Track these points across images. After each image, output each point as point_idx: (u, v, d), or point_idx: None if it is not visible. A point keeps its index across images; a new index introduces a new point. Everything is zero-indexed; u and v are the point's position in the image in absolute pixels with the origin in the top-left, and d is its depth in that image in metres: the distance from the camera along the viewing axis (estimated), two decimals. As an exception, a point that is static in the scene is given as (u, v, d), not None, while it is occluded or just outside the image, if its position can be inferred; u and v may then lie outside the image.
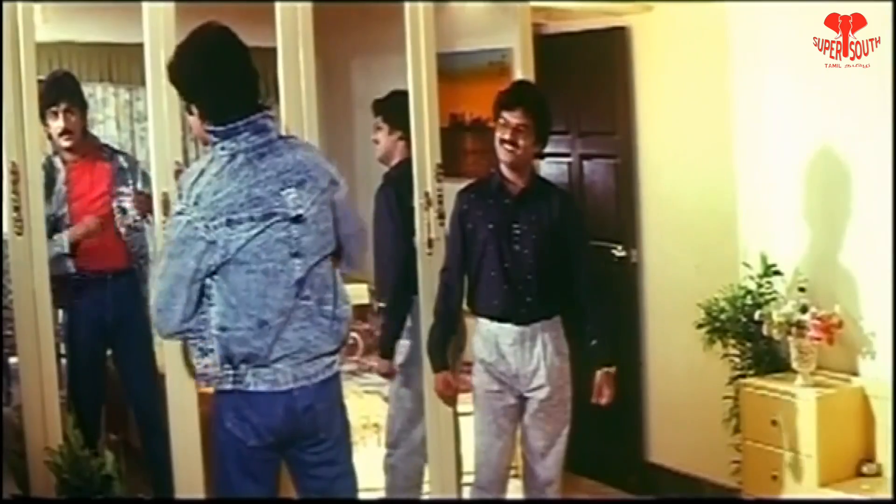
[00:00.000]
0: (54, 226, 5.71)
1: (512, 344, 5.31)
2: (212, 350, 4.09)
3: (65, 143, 5.82)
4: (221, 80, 4.06)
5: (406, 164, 5.99)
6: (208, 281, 4.03)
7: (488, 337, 5.37)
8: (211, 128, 4.07)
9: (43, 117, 5.67)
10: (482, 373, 5.41)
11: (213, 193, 3.96)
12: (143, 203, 5.73)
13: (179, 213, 3.99)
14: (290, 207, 4.03)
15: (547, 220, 5.32)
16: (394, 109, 6.01)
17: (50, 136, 5.84)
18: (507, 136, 5.26)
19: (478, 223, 5.35)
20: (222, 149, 4.04)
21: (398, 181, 5.97)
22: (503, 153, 5.29)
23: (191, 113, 4.18)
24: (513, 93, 5.41)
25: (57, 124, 5.78)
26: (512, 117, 5.26)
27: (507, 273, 5.29)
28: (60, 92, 5.84)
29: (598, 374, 5.42)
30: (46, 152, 5.76)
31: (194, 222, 3.95)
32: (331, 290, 4.21)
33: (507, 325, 5.31)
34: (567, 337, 5.44)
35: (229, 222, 3.94)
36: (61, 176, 5.84)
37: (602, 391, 5.42)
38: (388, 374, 6.15)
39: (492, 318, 5.35)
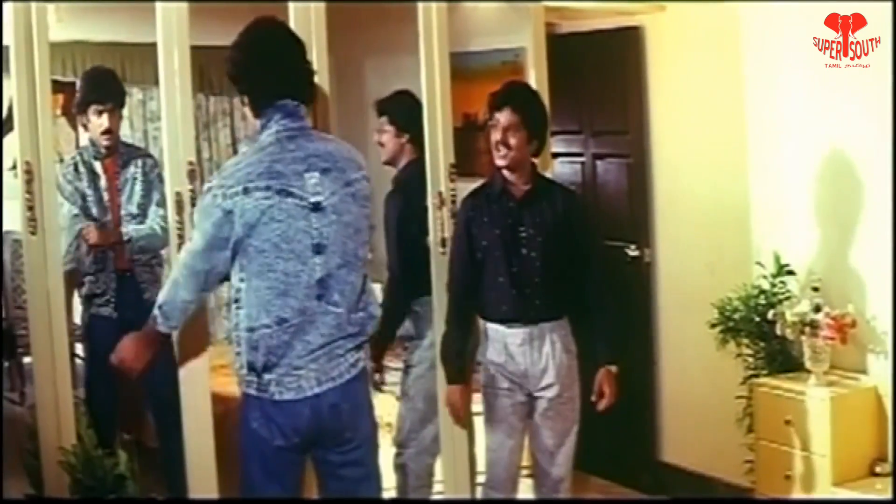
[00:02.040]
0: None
1: (520, 344, 5.30)
2: (239, 353, 4.17)
3: (105, 143, 5.90)
4: (261, 73, 4.21)
5: (414, 165, 5.98)
6: (237, 283, 4.13)
7: (496, 338, 5.36)
8: (256, 119, 4.26)
9: (80, 111, 5.81)
10: (492, 371, 5.41)
11: (235, 165, 4.12)
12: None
13: (206, 191, 4.13)
14: (310, 192, 4.09)
15: (552, 220, 5.30)
16: (400, 110, 6.01)
17: (85, 128, 5.90)
18: (498, 137, 5.27)
19: (483, 229, 5.34)
20: (256, 141, 4.21)
21: (406, 185, 5.97)
22: (497, 156, 5.30)
23: (244, 104, 4.34)
24: (501, 93, 5.39)
25: (100, 122, 5.86)
26: (501, 117, 5.27)
27: (514, 277, 5.27)
28: (108, 91, 5.94)
29: (600, 371, 5.40)
30: (60, 152, 5.79)
31: (214, 190, 4.07)
32: (362, 298, 4.26)
33: (516, 327, 5.31)
34: (574, 335, 5.44)
35: (245, 190, 4.02)
36: (102, 182, 5.91)
37: (602, 390, 5.37)
38: (378, 379, 6.17)
39: (501, 321, 5.35)
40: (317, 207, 4.10)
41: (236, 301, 4.14)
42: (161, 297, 4.30)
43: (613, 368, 5.40)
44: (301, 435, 4.18)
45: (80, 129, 6.01)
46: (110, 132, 5.89)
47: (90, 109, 5.83)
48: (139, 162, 6.05)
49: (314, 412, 4.16)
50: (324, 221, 4.11)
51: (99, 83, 5.96)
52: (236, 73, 4.26)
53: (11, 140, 4.87)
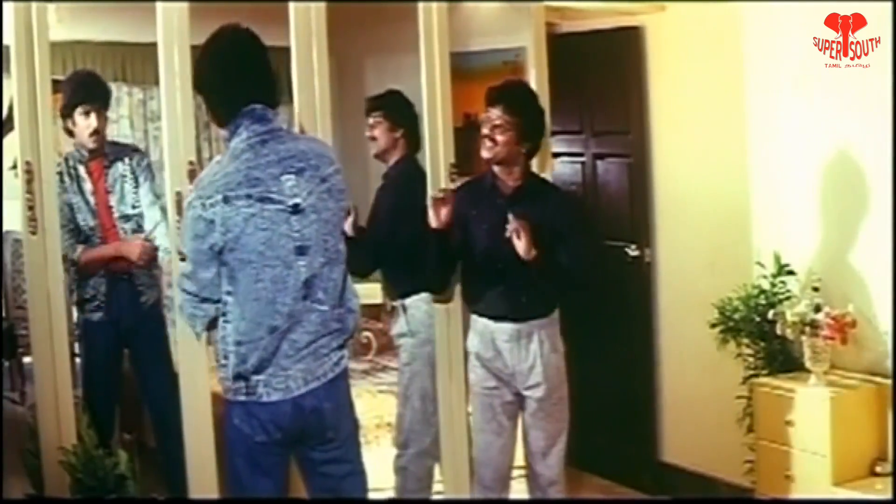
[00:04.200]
0: (86, 235, 5.84)
1: (508, 340, 5.30)
2: (225, 365, 4.20)
3: (92, 144, 5.88)
4: (226, 80, 4.22)
5: (405, 161, 5.99)
6: (224, 296, 4.16)
7: (485, 332, 5.36)
8: (223, 130, 4.27)
9: (66, 114, 5.82)
10: (479, 368, 5.40)
11: (213, 175, 4.13)
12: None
13: (188, 206, 4.15)
14: (287, 195, 4.11)
15: (540, 218, 5.27)
16: (394, 106, 6.02)
17: (71, 133, 5.89)
18: (485, 132, 5.27)
19: (472, 223, 5.33)
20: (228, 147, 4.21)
21: (398, 180, 5.96)
22: (483, 149, 5.30)
23: (207, 115, 4.39)
24: (497, 89, 5.38)
25: (88, 123, 5.84)
26: (492, 113, 5.27)
27: (502, 273, 5.27)
28: (93, 92, 5.93)
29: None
30: (60, 152, 5.78)
31: (194, 202, 4.09)
32: (343, 294, 4.28)
33: (504, 322, 5.31)
34: (563, 334, 5.44)
35: (226, 199, 4.04)
36: (87, 186, 5.90)
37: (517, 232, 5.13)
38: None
39: (489, 316, 5.34)
40: (296, 209, 4.12)
41: (223, 315, 4.18)
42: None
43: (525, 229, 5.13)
44: (283, 431, 4.21)
45: (66, 135, 5.97)
46: (98, 132, 5.87)
47: (76, 111, 5.81)
48: (126, 159, 6.03)
49: (296, 409, 4.19)
50: (304, 223, 4.13)
51: (83, 84, 5.95)
52: (201, 83, 4.32)
53: (12, 140, 4.87)
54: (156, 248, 5.80)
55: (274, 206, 4.07)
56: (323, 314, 4.19)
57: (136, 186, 5.97)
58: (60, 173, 5.81)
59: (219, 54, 4.23)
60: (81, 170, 5.90)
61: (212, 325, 4.28)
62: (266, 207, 4.06)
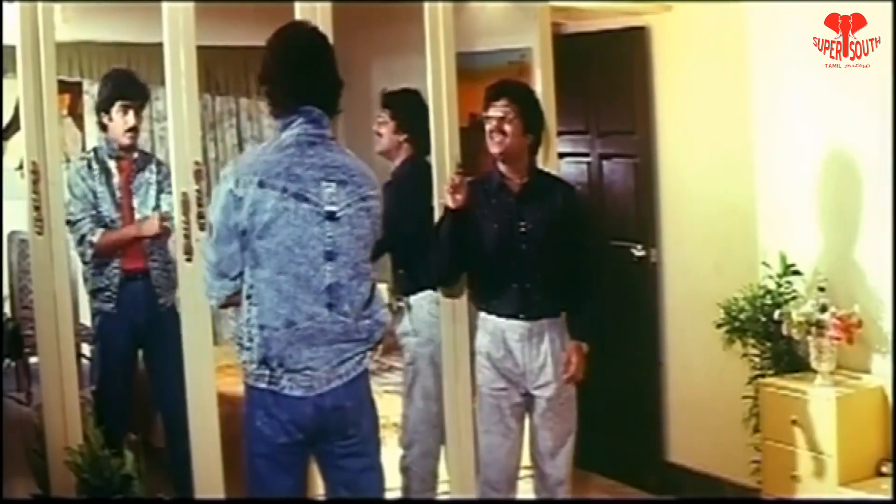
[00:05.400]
0: (106, 225, 5.88)
1: (519, 340, 5.30)
2: (250, 348, 4.18)
3: (127, 141, 5.94)
4: (292, 75, 4.25)
5: (409, 163, 6.01)
6: (250, 280, 4.16)
7: (495, 332, 5.35)
8: (274, 118, 4.32)
9: (102, 109, 5.90)
10: (488, 370, 5.39)
11: (253, 157, 4.21)
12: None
13: (221, 178, 4.18)
14: (325, 201, 4.13)
15: (551, 215, 5.30)
16: (404, 108, 6.01)
17: (104, 128, 5.94)
18: (493, 125, 5.28)
19: (482, 223, 5.33)
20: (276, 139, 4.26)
21: (401, 182, 5.97)
22: (492, 144, 5.31)
23: (269, 104, 4.40)
24: (497, 86, 5.41)
25: (126, 119, 5.89)
26: (496, 108, 5.29)
27: (515, 273, 5.27)
28: (133, 89, 6.00)
29: (570, 344, 5.37)
30: (66, 153, 5.79)
31: (227, 179, 4.12)
32: (369, 306, 4.30)
33: (515, 321, 5.30)
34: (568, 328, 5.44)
35: (261, 184, 4.07)
36: (115, 180, 5.93)
37: (569, 362, 5.33)
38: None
39: (500, 315, 5.34)
40: (332, 216, 4.14)
41: (249, 297, 4.17)
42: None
43: (584, 346, 5.39)
44: (304, 431, 4.21)
45: (98, 129, 6.02)
46: (135, 129, 5.94)
47: (115, 106, 5.86)
48: (153, 167, 6.08)
49: (317, 410, 4.20)
50: (338, 230, 4.15)
51: (124, 82, 6.01)
52: (266, 72, 4.31)
53: (18, 140, 4.88)
54: (171, 226, 5.82)
55: (308, 206, 4.10)
56: (346, 325, 4.21)
57: (160, 193, 5.98)
58: (89, 161, 5.89)
59: (293, 48, 4.29)
60: (112, 164, 5.94)
61: (229, 304, 4.31)
62: (301, 206, 4.09)
